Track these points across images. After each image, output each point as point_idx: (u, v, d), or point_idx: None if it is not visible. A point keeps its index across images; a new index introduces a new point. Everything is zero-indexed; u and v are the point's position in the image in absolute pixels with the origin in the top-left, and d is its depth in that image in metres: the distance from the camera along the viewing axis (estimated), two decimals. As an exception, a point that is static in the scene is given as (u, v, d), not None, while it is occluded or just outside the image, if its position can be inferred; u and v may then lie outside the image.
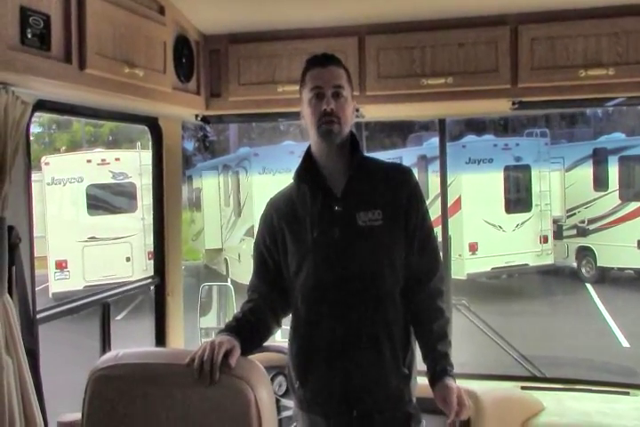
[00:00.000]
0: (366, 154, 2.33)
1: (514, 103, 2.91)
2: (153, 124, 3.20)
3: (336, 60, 2.26)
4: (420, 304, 2.24)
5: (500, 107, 3.01)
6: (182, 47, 2.91)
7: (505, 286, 13.32)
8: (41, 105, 2.37)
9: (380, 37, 2.95)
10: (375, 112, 3.14)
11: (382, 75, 2.94)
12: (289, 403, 2.54)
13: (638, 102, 3.12)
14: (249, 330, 2.15)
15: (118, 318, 10.66)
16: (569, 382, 3.47)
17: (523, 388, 3.36)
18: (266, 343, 2.41)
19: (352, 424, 2.21)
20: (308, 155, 2.29)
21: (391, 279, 2.21)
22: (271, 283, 2.29)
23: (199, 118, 3.20)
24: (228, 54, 3.10)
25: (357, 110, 2.74)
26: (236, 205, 14.16)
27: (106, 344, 2.87)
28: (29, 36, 2.01)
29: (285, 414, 2.64)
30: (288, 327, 2.35)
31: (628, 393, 3.30)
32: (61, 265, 11.64)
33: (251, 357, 2.01)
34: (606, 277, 13.39)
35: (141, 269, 11.17)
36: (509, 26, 2.85)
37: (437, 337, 2.22)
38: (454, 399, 2.10)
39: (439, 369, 2.17)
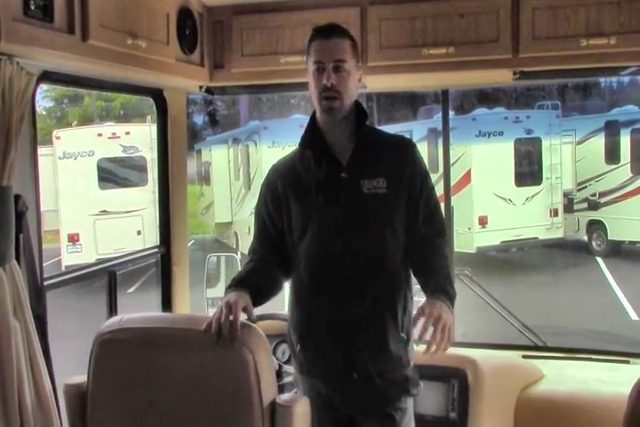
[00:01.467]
0: (375, 126, 2.35)
1: (515, 73, 2.91)
2: (157, 95, 3.22)
3: (340, 31, 2.26)
4: (424, 253, 2.27)
5: (502, 77, 3.00)
6: (186, 19, 2.93)
7: (515, 259, 13.30)
8: (46, 76, 2.41)
9: (381, 8, 2.94)
10: (377, 83, 3.14)
11: (384, 45, 2.94)
12: (291, 369, 2.60)
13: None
14: (255, 284, 2.18)
15: (130, 290, 10.77)
16: (570, 351, 3.49)
17: (524, 357, 3.37)
18: (270, 311, 2.46)
19: (352, 387, 2.26)
20: (313, 121, 2.31)
21: (393, 246, 2.26)
22: (272, 248, 2.33)
23: (203, 90, 3.23)
24: (232, 26, 3.10)
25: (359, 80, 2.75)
26: (245, 178, 14.14)
27: (112, 311, 2.93)
28: (32, 7, 2.04)
29: (288, 379, 2.69)
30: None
31: (628, 362, 3.32)
32: (73, 238, 11.74)
33: (255, 324, 2.06)
34: (617, 251, 13.28)
35: (152, 243, 11.18)
36: (511, -5, 2.83)
37: (443, 279, 2.21)
38: (433, 312, 2.01)
39: (438, 288, 2.16)
